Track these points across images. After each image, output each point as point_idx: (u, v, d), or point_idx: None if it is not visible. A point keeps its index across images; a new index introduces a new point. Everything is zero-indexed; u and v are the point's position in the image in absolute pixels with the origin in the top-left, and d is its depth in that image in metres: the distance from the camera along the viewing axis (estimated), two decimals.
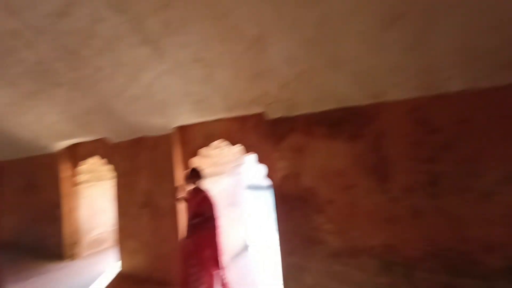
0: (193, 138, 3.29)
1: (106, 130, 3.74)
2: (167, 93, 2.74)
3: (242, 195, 4.64)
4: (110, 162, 3.97)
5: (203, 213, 2.61)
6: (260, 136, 2.80)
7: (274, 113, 2.60)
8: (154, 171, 3.44)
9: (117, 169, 3.83)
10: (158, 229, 3.29)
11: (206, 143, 3.18)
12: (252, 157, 3.00)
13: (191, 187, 2.80)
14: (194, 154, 3.26)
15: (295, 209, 2.50)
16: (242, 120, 2.91)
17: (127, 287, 3.29)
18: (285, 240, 2.55)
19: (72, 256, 4.43)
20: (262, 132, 2.79)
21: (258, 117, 2.79)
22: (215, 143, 3.20)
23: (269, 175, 2.72)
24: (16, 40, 2.30)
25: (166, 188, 3.30)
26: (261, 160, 2.82)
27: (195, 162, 3.33)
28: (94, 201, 4.82)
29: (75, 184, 4.59)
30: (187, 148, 3.34)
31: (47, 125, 4.03)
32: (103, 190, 4.92)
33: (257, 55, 2.06)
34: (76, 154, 4.59)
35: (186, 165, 3.31)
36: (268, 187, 11.29)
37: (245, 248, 4.45)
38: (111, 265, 3.96)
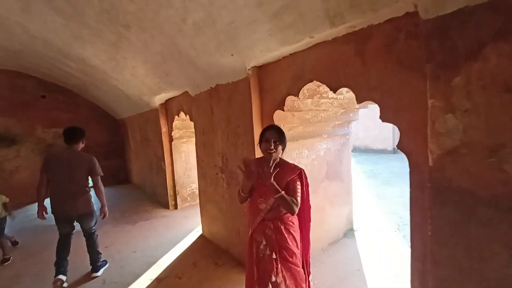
0: (276, 82, 2.23)
1: (183, 80, 3.25)
2: (234, 7, 1.72)
3: (348, 164, 3.38)
4: (191, 118, 3.59)
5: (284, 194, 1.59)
6: (394, 66, 1.42)
7: (442, 6, 1.12)
8: (229, 130, 2.72)
9: (196, 126, 3.39)
10: (235, 200, 2.68)
11: (294, 89, 2.06)
12: (368, 111, 1.69)
13: (267, 154, 1.65)
14: (278, 106, 2.24)
15: (483, 225, 1.12)
16: (358, 39, 1.57)
17: (206, 254, 3.01)
18: (438, 268, 1.28)
19: (173, 206, 4.77)
20: (401, 58, 1.39)
21: (395, 25, 1.37)
22: (309, 88, 2.04)
23: (410, 147, 1.39)
24: None
25: (242, 152, 2.53)
26: (392, 114, 1.48)
27: (279, 118, 2.32)
28: (189, 157, 4.87)
29: (172, 140, 4.68)
30: (268, 98, 2.35)
31: (141, 80, 4.00)
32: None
33: None
34: (169, 110, 4.56)
35: (267, 122, 2.37)
36: (388, 153, 9.08)
37: (349, 232, 3.36)
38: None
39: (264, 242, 1.64)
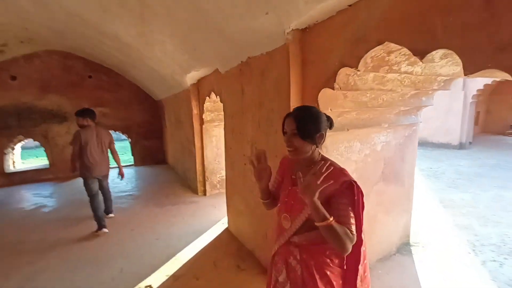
0: (325, 49, 1.63)
1: (211, 55, 2.81)
2: None
3: (411, 163, 2.64)
4: (221, 99, 3.17)
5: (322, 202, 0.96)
6: None
7: None
8: (260, 114, 2.22)
9: (225, 108, 2.97)
10: None
11: (352, 57, 1.45)
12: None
13: (295, 148, 1.05)
14: (326, 83, 1.65)
15: None
16: None
17: (229, 253, 2.67)
18: None
19: (202, 192, 4.56)
20: None
21: None
22: (374, 55, 1.41)
23: None
24: None
25: (275, 142, 2.03)
26: None
27: (326, 100, 1.74)
28: (220, 142, 4.55)
29: (203, 123, 4.39)
30: (312, 73, 1.77)
31: (171, 57, 3.71)
32: None
33: None
34: (200, 91, 4.23)
35: (311, 102, 1.81)
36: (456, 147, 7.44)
37: (404, 247, 2.69)
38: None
39: (285, 275, 1.13)
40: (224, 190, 4.54)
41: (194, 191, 4.71)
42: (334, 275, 1.05)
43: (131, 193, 4.93)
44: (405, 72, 1.68)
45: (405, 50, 1.42)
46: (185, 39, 2.87)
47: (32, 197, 4.81)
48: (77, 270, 2.50)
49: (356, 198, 0.98)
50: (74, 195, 4.93)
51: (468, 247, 2.71)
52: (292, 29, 1.72)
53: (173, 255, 2.70)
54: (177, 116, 5.56)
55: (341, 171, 1.03)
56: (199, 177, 4.53)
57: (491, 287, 2.13)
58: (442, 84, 2.19)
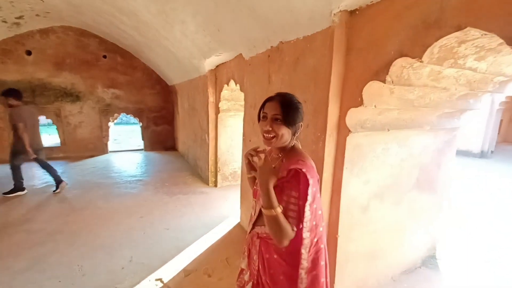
0: (379, 35, 1.40)
1: (237, 38, 2.60)
2: None
3: (448, 172, 2.42)
4: (241, 88, 2.97)
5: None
6: None
7: None
8: None
9: (246, 97, 2.77)
10: None
11: (416, 45, 1.22)
12: None
13: (264, 141, 1.00)
14: (376, 75, 1.44)
15: None
16: None
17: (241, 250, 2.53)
18: None
19: (213, 183, 4.43)
20: None
21: None
22: (443, 45, 1.18)
23: None
24: None
25: (305, 139, 1.83)
26: None
27: (371, 94, 1.53)
28: (235, 133, 4.38)
29: (219, 111, 4.21)
30: (359, 62, 1.55)
31: (191, 39, 3.50)
32: None
33: None
34: (218, 78, 4.03)
35: (351, 99, 1.60)
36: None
37: (430, 261, 2.50)
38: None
39: (246, 262, 1.15)
40: (235, 183, 4.43)
41: (205, 181, 4.59)
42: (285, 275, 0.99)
43: (140, 178, 4.85)
44: (469, 68, 1.45)
45: (478, 42, 1.21)
46: (209, 19, 2.66)
47: (42, 175, 4.78)
48: (86, 255, 2.42)
49: (301, 187, 0.89)
50: (84, 176, 4.88)
51: (496, 267, 2.49)
52: (341, 11, 1.50)
53: (184, 248, 2.59)
54: (191, 103, 5.40)
55: (299, 160, 0.94)
56: (211, 168, 4.40)
57: None
58: (498, 86, 1.93)
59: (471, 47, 1.26)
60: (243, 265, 1.18)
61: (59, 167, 5.48)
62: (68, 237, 2.74)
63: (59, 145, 6.46)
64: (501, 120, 10.51)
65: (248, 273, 1.14)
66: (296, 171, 0.89)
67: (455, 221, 3.44)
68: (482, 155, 7.77)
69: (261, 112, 1.00)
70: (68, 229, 2.90)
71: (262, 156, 1.01)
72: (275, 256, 1.00)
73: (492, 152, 8.18)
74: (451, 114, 2.18)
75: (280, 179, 0.93)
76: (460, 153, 8.14)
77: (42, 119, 7.26)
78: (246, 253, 1.16)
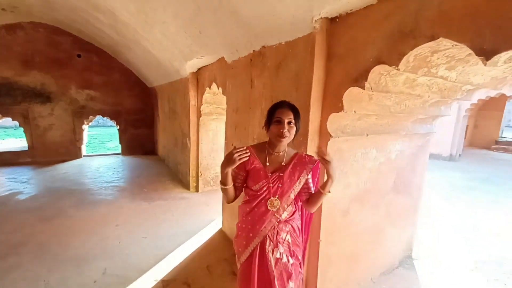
0: (359, 43, 1.43)
1: (219, 41, 2.57)
2: None
3: (422, 175, 2.53)
4: (224, 91, 2.94)
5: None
6: None
7: None
8: None
9: (229, 101, 2.74)
10: None
11: (393, 53, 1.27)
12: None
13: (277, 140, 1.24)
14: (355, 81, 1.47)
15: None
16: None
17: (223, 258, 2.47)
18: None
19: (195, 188, 4.32)
20: None
21: None
22: (418, 54, 1.23)
23: None
24: None
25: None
26: None
27: (351, 100, 1.56)
28: (217, 137, 4.31)
29: (201, 115, 4.13)
30: (339, 69, 1.58)
31: (171, 40, 3.42)
32: None
33: None
34: (200, 81, 3.97)
35: (332, 104, 1.63)
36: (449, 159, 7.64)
37: (406, 261, 2.59)
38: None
39: (282, 250, 1.28)
40: (218, 187, 4.34)
41: (186, 186, 4.46)
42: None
43: (117, 184, 4.62)
44: (441, 77, 1.53)
45: (449, 52, 1.27)
46: (191, 21, 2.61)
47: (6, 182, 4.40)
48: (54, 269, 2.23)
49: (319, 172, 1.38)
50: (54, 183, 4.56)
51: (468, 263, 2.64)
52: (321, 17, 1.53)
53: (163, 257, 2.48)
54: (171, 106, 5.26)
55: (307, 155, 1.34)
56: (192, 172, 4.29)
57: None
58: (465, 94, 2.06)
59: (443, 57, 1.33)
60: (281, 250, 1.28)
61: (25, 173, 5.09)
62: (35, 249, 2.52)
63: (27, 149, 6.00)
64: (467, 126, 11.32)
65: (284, 254, 1.27)
66: (318, 161, 1.25)
67: (427, 221, 3.61)
68: (451, 158, 8.29)
69: (273, 116, 1.21)
70: (35, 240, 2.68)
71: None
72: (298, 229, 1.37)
73: (460, 155, 8.76)
74: (424, 120, 2.30)
75: (304, 166, 1.28)
76: (432, 156, 8.60)
77: (8, 121, 6.73)
78: (277, 242, 1.27)
